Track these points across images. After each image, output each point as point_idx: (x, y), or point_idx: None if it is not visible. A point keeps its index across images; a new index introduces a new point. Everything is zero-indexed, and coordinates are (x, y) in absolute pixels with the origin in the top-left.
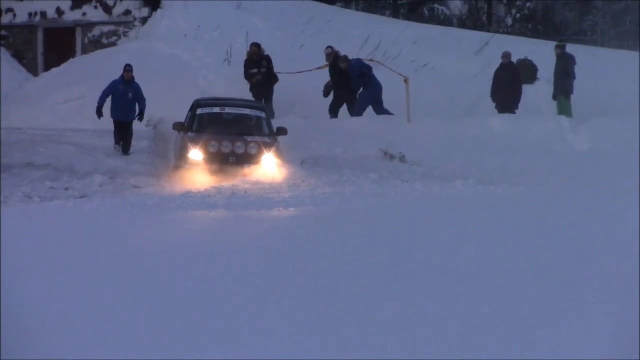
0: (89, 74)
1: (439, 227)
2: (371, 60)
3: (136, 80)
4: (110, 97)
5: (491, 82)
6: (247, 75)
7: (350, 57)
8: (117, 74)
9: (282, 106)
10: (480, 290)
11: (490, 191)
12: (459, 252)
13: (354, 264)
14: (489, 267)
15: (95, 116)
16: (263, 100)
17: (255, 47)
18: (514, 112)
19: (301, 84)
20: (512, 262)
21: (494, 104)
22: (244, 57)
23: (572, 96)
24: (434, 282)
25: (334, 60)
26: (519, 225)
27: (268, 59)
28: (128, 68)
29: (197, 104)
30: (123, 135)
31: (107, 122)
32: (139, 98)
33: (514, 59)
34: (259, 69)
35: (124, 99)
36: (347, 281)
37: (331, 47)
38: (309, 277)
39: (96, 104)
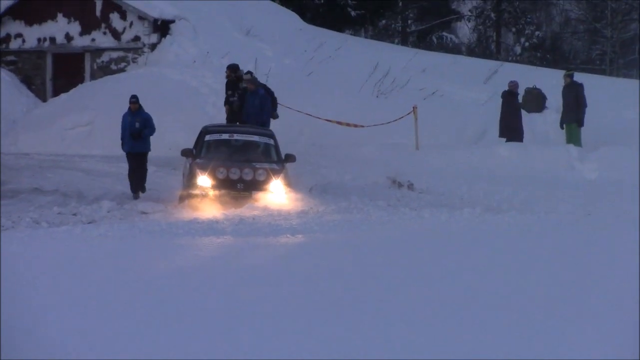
0: (97, 100)
1: (446, 255)
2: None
3: (145, 106)
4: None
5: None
6: (226, 101)
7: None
8: (125, 100)
9: (291, 134)
10: (486, 310)
11: (498, 220)
12: (465, 280)
13: (361, 292)
14: (494, 294)
15: (104, 142)
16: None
17: (229, 70)
18: (522, 140)
19: (309, 113)
20: (518, 289)
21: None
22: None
23: None
24: (439, 309)
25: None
26: (526, 253)
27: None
28: (133, 100)
29: (205, 131)
30: (137, 169)
31: (115, 149)
32: (148, 127)
33: (522, 87)
34: (236, 92)
35: (132, 130)
36: (353, 308)
37: (251, 73)
38: (315, 304)
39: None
